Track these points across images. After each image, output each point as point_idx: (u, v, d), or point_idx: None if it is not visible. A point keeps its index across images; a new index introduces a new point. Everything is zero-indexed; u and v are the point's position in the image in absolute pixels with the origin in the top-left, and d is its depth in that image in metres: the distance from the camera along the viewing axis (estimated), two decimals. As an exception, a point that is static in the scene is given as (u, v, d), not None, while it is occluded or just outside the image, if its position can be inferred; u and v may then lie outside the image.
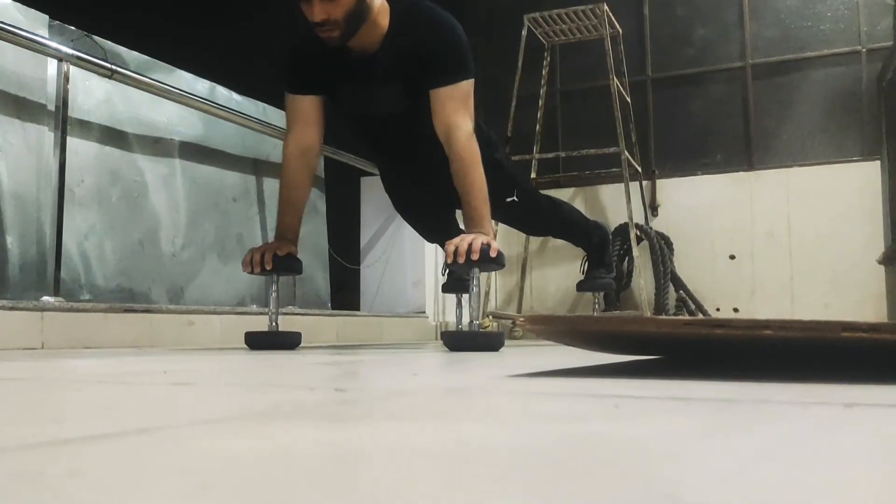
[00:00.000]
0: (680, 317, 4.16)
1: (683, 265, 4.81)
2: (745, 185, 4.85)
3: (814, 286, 4.63)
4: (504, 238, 4.79)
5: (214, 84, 3.57)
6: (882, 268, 4.29)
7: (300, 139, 2.46)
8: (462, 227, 2.71)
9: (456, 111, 2.32)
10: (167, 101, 3.15)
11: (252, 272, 2.36)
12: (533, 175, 5.07)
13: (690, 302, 4.70)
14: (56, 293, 2.49)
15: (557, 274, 5.18)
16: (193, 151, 3.37)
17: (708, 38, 5.09)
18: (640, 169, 4.96)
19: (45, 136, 2.66)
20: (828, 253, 4.58)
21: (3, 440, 0.53)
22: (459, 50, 2.34)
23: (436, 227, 3.05)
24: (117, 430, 0.58)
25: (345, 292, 4.62)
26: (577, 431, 0.57)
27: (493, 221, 2.65)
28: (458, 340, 2.31)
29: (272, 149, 3.75)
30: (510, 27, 5.12)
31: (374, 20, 2.28)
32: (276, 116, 3.76)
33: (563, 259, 5.05)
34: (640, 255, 4.58)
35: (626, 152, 4.58)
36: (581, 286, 3.55)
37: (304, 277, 3.66)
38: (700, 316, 4.55)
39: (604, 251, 3.45)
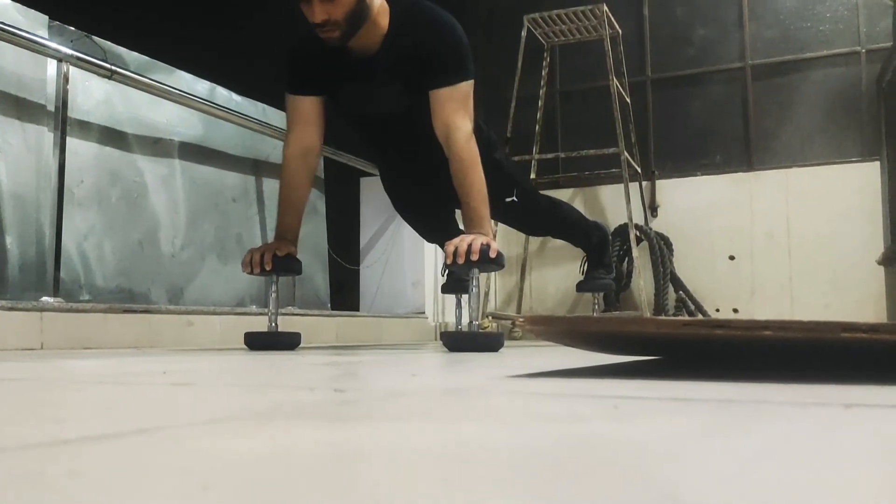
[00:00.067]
0: (679, 317, 4.16)
1: (683, 266, 4.82)
2: (744, 186, 4.85)
3: (813, 287, 4.63)
4: (503, 238, 4.79)
5: (214, 85, 3.57)
6: (881, 268, 4.29)
7: (300, 140, 2.46)
8: (462, 227, 2.71)
9: (455, 112, 2.32)
10: (167, 101, 3.15)
11: (251, 273, 2.36)
12: (532, 176, 5.07)
13: (690, 302, 4.70)
14: (55, 293, 2.49)
15: (557, 274, 5.18)
16: (193, 152, 3.37)
17: (707, 38, 5.09)
18: (639, 169, 4.96)
19: (45, 136, 2.66)
20: (827, 253, 4.59)
21: (4, 440, 0.53)
22: (459, 51, 2.35)
23: (435, 227, 3.05)
24: (117, 430, 0.58)
25: (344, 293, 4.62)
26: (576, 432, 0.57)
27: (492, 222, 2.65)
28: (458, 341, 2.31)
29: (272, 149, 3.75)
30: (510, 27, 5.12)
31: (373, 20, 2.28)
32: (275, 117, 3.76)
33: (563, 260, 5.05)
34: (640, 256, 4.58)
35: (626, 153, 4.58)
36: (581, 287, 3.55)
37: (303, 278, 3.66)
38: (699, 316, 4.55)
39: (603, 252, 3.45)
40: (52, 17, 2.77)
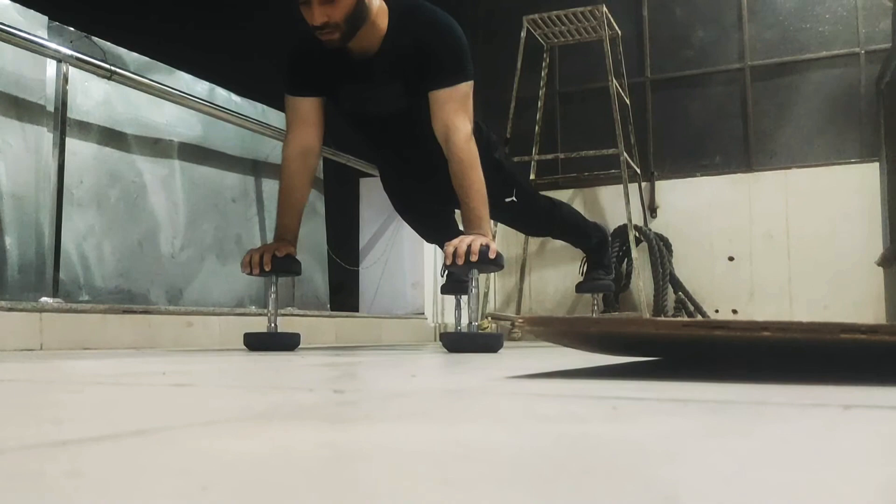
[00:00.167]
0: (678, 318, 4.16)
1: (682, 266, 4.82)
2: (743, 187, 4.86)
3: (812, 288, 4.63)
4: (503, 239, 4.80)
5: (213, 85, 3.57)
6: (881, 269, 4.29)
7: (300, 140, 2.46)
8: (461, 227, 2.71)
9: (455, 113, 2.32)
10: (166, 102, 3.15)
11: (251, 273, 2.36)
12: (532, 176, 5.07)
13: (689, 303, 4.70)
14: (55, 294, 2.49)
15: (556, 275, 5.18)
16: (192, 152, 3.37)
17: (707, 39, 5.09)
18: (638, 170, 4.96)
19: (44, 137, 2.66)
20: (826, 254, 4.59)
21: (3, 441, 0.53)
22: (458, 51, 2.35)
23: (435, 227, 3.06)
24: (116, 431, 0.58)
25: (344, 293, 4.62)
26: (575, 433, 0.57)
27: (492, 222, 2.65)
28: (457, 342, 2.31)
29: (271, 150, 3.75)
30: (509, 28, 5.12)
31: (372, 22, 2.29)
32: (275, 117, 3.76)
33: (562, 260, 5.05)
34: (639, 257, 4.58)
35: (625, 154, 4.58)
36: (580, 287, 3.56)
37: (302, 278, 3.66)
38: (699, 317, 4.55)
39: (603, 252, 3.45)
40: (51, 18, 2.77)
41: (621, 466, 0.44)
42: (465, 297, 2.76)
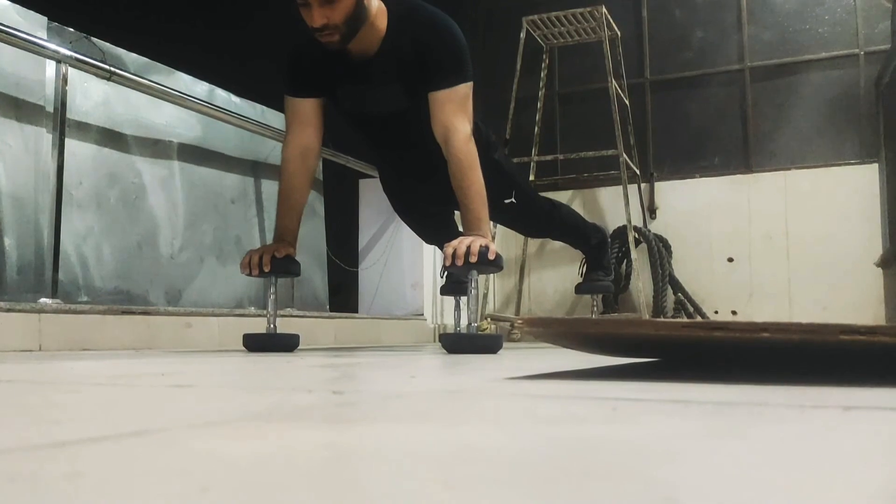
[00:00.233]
0: (678, 319, 4.16)
1: (681, 268, 4.82)
2: (743, 188, 4.86)
3: (812, 289, 4.63)
4: (502, 240, 4.80)
5: (213, 86, 3.57)
6: (880, 270, 4.29)
7: (299, 141, 2.46)
8: (461, 228, 2.71)
9: (454, 114, 2.32)
10: (166, 103, 3.15)
11: (250, 274, 2.36)
12: (531, 177, 5.07)
13: (689, 304, 4.70)
14: (54, 295, 2.48)
15: (556, 276, 5.18)
16: (192, 153, 3.37)
17: (706, 40, 5.10)
18: (638, 171, 4.97)
19: (44, 137, 2.66)
20: (826, 256, 4.59)
21: (2, 442, 0.53)
22: (458, 53, 2.35)
23: (434, 228, 3.06)
24: (115, 431, 0.58)
25: (343, 294, 4.62)
26: (575, 434, 0.57)
27: (491, 223, 2.65)
28: (457, 343, 2.31)
29: (270, 151, 3.75)
30: (509, 29, 5.12)
31: (372, 23, 2.29)
32: (274, 118, 3.76)
33: (562, 261, 5.05)
34: (639, 258, 4.59)
35: (625, 155, 4.58)
36: (579, 288, 3.56)
37: (302, 279, 3.66)
38: (698, 318, 4.55)
39: (602, 253, 3.45)
40: (50, 19, 2.77)
41: (621, 467, 0.44)
42: (464, 298, 2.76)
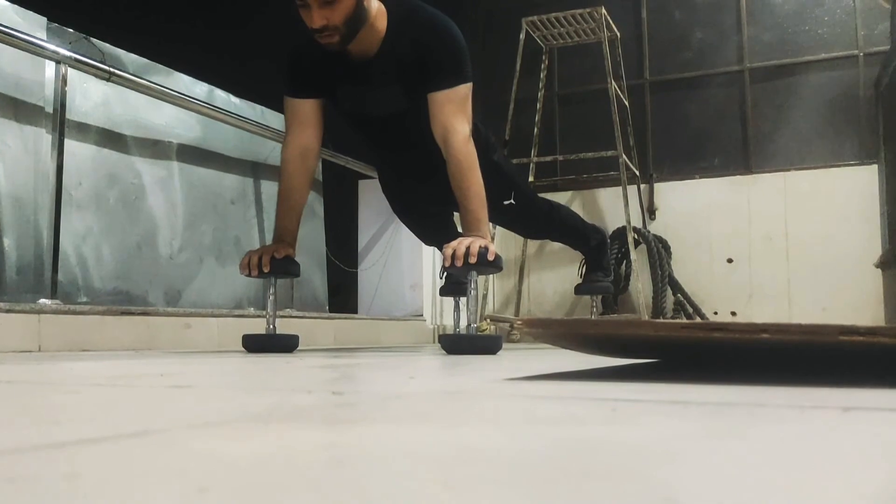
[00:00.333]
0: (677, 320, 4.16)
1: (681, 269, 4.82)
2: (742, 189, 4.86)
3: (811, 290, 4.64)
4: (502, 241, 4.80)
5: (212, 87, 3.57)
6: (879, 271, 4.29)
7: (299, 142, 2.46)
8: (460, 229, 2.71)
9: (453, 115, 2.32)
10: (165, 103, 3.15)
11: (249, 275, 2.36)
12: (531, 178, 5.07)
13: (688, 305, 4.71)
14: (53, 295, 2.48)
15: (555, 277, 5.18)
16: (191, 154, 3.37)
17: (706, 41, 5.10)
18: (637, 172, 4.97)
19: (43, 138, 2.66)
20: (825, 256, 4.59)
21: (1, 443, 0.53)
22: (457, 54, 2.35)
23: (434, 229, 3.06)
24: (115, 432, 0.58)
25: (342, 295, 4.62)
26: (574, 434, 0.57)
27: (490, 224, 2.65)
28: (456, 344, 2.31)
29: (270, 151, 3.76)
30: (508, 30, 5.12)
31: (371, 24, 2.29)
32: (274, 119, 3.76)
33: (561, 262, 5.05)
34: (638, 259, 4.59)
35: (624, 156, 4.58)
36: (579, 289, 3.56)
37: (301, 280, 3.66)
38: (697, 319, 4.55)
39: (602, 254, 3.45)
40: (50, 19, 2.77)
41: (621, 468, 0.44)
42: (463, 299, 2.76)
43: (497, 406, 0.81)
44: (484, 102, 5.07)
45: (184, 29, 4.78)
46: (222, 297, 3.45)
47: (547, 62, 5.16)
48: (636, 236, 4.69)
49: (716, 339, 1.02)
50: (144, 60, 3.17)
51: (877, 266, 4.25)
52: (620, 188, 4.54)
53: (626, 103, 4.98)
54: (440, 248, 2.40)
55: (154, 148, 3.17)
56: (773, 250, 4.74)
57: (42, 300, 2.43)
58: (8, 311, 2.19)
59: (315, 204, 4.16)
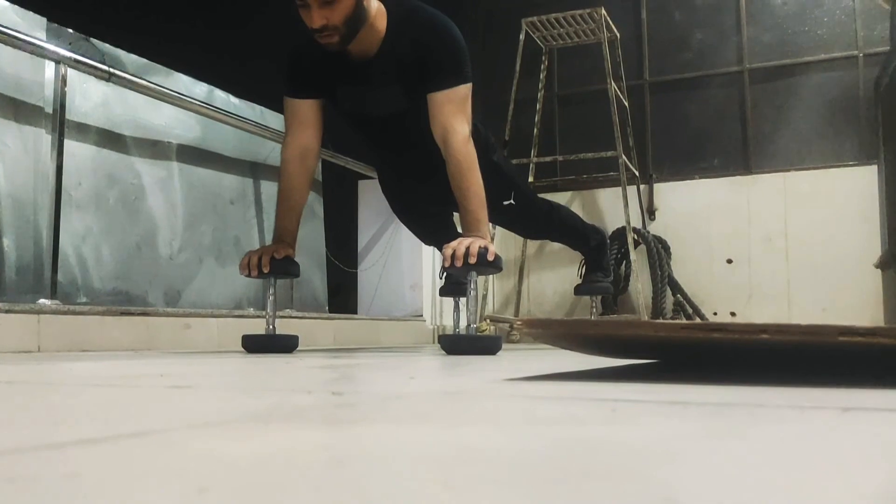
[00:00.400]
0: (677, 321, 4.16)
1: (681, 269, 4.82)
2: (742, 189, 4.86)
3: (811, 290, 4.63)
4: (502, 241, 4.80)
5: (212, 87, 3.57)
6: (879, 272, 4.29)
7: (298, 142, 2.46)
8: (460, 230, 2.71)
9: (453, 115, 2.32)
10: (165, 104, 3.15)
11: (249, 275, 2.36)
12: (530, 179, 5.07)
13: (688, 306, 4.70)
14: (52, 296, 2.48)
15: (555, 277, 5.18)
16: (191, 154, 3.37)
17: (705, 42, 5.10)
18: (637, 173, 4.97)
19: (43, 138, 2.66)
20: (825, 257, 4.59)
21: (1, 443, 0.53)
22: (457, 54, 2.35)
23: (433, 229, 3.05)
24: (114, 433, 0.58)
25: (342, 295, 4.62)
26: (574, 435, 0.57)
27: (490, 224, 2.65)
28: (456, 344, 2.31)
29: (270, 152, 3.75)
30: (508, 31, 5.12)
31: (371, 24, 2.29)
32: (273, 119, 3.76)
33: (561, 263, 5.05)
34: (638, 259, 4.59)
35: (624, 156, 4.58)
36: (579, 290, 3.56)
37: (301, 280, 3.65)
38: (697, 320, 4.55)
39: (601, 255, 3.45)
40: (50, 20, 2.77)
41: (621, 468, 0.44)
42: (463, 300, 2.76)
43: (497, 406, 0.81)
44: (484, 103, 5.07)
45: (184, 29, 4.79)
46: (222, 297, 3.45)
47: (547, 63, 5.16)
48: (636, 237, 4.69)
49: (715, 340, 1.02)
50: (144, 61, 3.17)
51: (876, 266, 4.25)
52: (620, 188, 4.54)
53: (626, 104, 4.98)
54: (440, 249, 2.40)
55: (154, 148, 3.17)
56: (772, 251, 4.74)
57: (42, 300, 2.43)
58: (7, 311, 2.19)
59: (315, 204, 4.16)
